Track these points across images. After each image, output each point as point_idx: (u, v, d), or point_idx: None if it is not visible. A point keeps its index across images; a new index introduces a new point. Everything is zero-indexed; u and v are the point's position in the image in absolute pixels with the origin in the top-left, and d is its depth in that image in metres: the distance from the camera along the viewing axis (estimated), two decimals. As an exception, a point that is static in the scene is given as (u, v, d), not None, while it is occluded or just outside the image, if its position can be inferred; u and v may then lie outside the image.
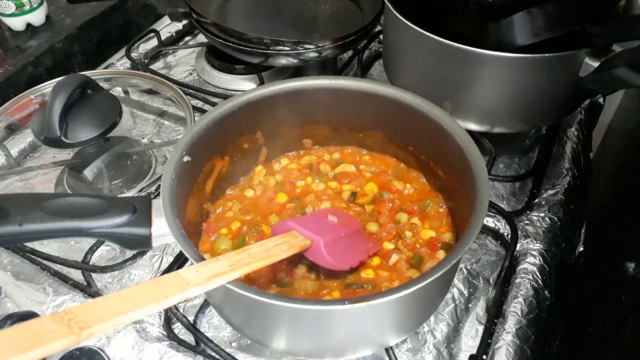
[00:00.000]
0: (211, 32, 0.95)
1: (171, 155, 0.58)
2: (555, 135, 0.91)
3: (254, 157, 0.72)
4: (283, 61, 0.93)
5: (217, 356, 0.63)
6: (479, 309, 0.68)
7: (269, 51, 0.91)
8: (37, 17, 1.13)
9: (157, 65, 1.10)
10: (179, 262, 0.72)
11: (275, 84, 0.67)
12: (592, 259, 0.85)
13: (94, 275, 0.71)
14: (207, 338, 0.64)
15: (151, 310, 0.40)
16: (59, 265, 0.72)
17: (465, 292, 0.70)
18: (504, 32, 0.73)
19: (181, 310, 0.67)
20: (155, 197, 0.56)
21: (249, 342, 0.65)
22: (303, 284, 0.58)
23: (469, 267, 0.73)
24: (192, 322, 0.66)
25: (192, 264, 0.48)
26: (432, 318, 0.66)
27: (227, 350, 0.63)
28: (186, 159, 0.59)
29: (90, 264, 0.72)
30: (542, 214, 0.78)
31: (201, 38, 1.16)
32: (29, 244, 0.74)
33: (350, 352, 0.57)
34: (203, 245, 0.63)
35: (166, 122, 0.97)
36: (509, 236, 0.74)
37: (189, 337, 0.65)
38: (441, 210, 0.67)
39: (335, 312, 0.48)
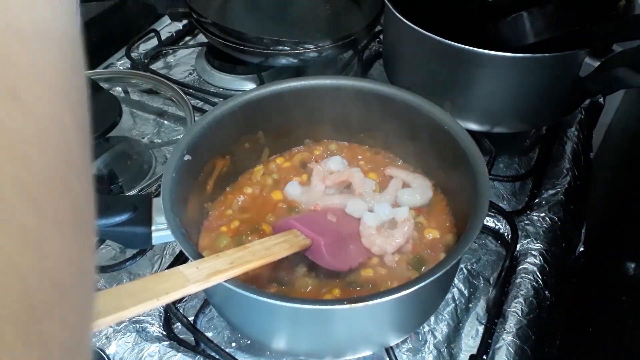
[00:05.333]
0: (211, 32, 0.95)
1: (172, 154, 0.58)
2: (556, 135, 0.91)
3: (255, 156, 0.72)
4: (283, 61, 0.94)
5: (217, 356, 0.63)
6: (479, 309, 0.68)
7: (269, 51, 0.91)
8: (37, 17, 1.13)
9: (157, 65, 1.10)
10: (179, 261, 0.72)
11: (275, 84, 0.67)
12: (592, 259, 0.85)
13: (93, 275, 0.71)
14: (207, 338, 0.64)
15: (151, 305, 0.40)
16: (58, 265, 0.72)
17: (466, 292, 0.70)
18: (504, 32, 0.73)
19: (181, 310, 0.67)
20: (155, 196, 0.56)
21: (249, 342, 0.65)
22: (303, 282, 0.58)
23: (469, 267, 0.72)
24: (192, 322, 0.66)
25: (192, 263, 0.48)
26: (432, 318, 0.66)
27: (227, 350, 0.63)
28: (187, 157, 0.59)
29: (90, 263, 0.71)
30: (543, 214, 0.78)
31: (201, 38, 1.16)
32: (28, 244, 0.74)
33: (350, 352, 0.57)
34: (203, 244, 0.63)
35: (166, 122, 0.97)
36: (509, 236, 0.74)
37: (189, 337, 0.65)
38: (444, 210, 0.67)
39: (334, 312, 0.48)
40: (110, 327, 0.64)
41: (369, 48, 1.11)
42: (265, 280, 0.58)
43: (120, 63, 1.09)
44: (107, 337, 0.64)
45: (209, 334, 0.65)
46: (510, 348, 0.63)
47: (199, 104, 0.98)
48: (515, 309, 0.66)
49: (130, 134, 0.93)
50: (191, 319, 0.66)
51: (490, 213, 0.77)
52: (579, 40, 0.70)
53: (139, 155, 0.86)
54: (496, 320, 0.66)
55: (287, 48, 0.91)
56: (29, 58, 0.18)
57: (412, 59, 0.82)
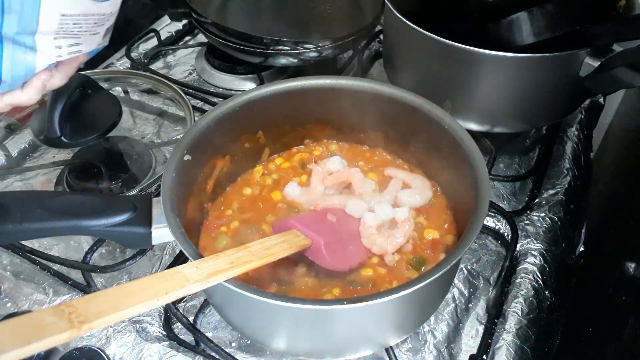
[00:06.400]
0: (211, 31, 0.95)
1: (172, 154, 0.58)
2: (556, 135, 0.91)
3: (255, 156, 0.72)
4: (283, 61, 0.93)
5: (217, 356, 0.63)
6: (479, 309, 0.68)
7: (269, 51, 0.91)
8: (37, 17, 1.13)
9: (157, 65, 1.10)
10: (179, 261, 0.72)
11: (275, 84, 0.67)
12: (592, 259, 0.85)
13: (93, 275, 0.71)
14: (207, 338, 0.64)
15: (151, 305, 0.40)
16: (58, 265, 0.72)
17: (466, 292, 0.70)
18: (504, 32, 0.73)
19: (181, 310, 0.67)
20: (155, 196, 0.56)
21: (249, 342, 0.65)
22: (303, 282, 0.58)
23: (469, 267, 0.72)
24: (192, 322, 0.66)
25: (192, 263, 0.48)
26: (432, 318, 0.66)
27: (227, 350, 0.63)
28: (187, 157, 0.59)
29: (90, 264, 0.71)
30: (543, 214, 0.78)
31: (201, 38, 1.16)
32: (28, 244, 0.74)
33: (350, 351, 0.57)
34: (203, 244, 0.63)
35: (166, 122, 0.97)
36: (509, 236, 0.74)
37: (189, 337, 0.65)
38: (444, 210, 0.66)
39: (334, 312, 0.48)
40: (110, 327, 0.64)
41: (369, 48, 1.11)
42: (265, 280, 0.58)
43: (120, 63, 1.09)
44: (107, 337, 0.64)
45: (209, 334, 0.65)
46: (510, 348, 0.63)
47: (199, 104, 0.98)
48: (515, 309, 0.66)
49: (130, 133, 0.93)
50: (191, 319, 0.66)
51: (490, 213, 0.77)
52: (579, 40, 0.70)
53: (139, 155, 0.86)
54: (496, 320, 0.66)
55: (287, 48, 0.91)
56: None
57: (412, 59, 0.82)
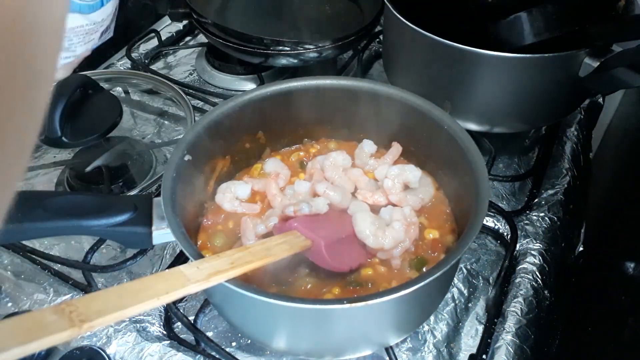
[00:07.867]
0: (211, 32, 0.95)
1: (172, 154, 0.58)
2: (555, 135, 0.92)
3: (256, 156, 0.72)
4: (283, 61, 0.94)
5: (218, 356, 0.63)
6: (479, 308, 0.68)
7: (269, 51, 0.91)
8: (37, 18, 1.13)
9: (157, 66, 1.11)
10: (179, 261, 0.72)
11: (275, 84, 0.68)
12: (592, 259, 0.85)
13: (94, 274, 0.71)
14: (207, 338, 0.64)
15: (151, 305, 0.40)
16: (59, 265, 0.72)
17: (465, 291, 0.70)
18: (504, 32, 0.73)
19: (181, 310, 0.67)
20: (156, 196, 0.56)
21: (249, 342, 0.65)
22: (303, 282, 0.58)
23: (468, 267, 0.73)
24: (192, 321, 0.66)
25: (192, 262, 0.48)
26: (432, 317, 0.66)
27: (227, 349, 0.63)
28: (187, 157, 0.59)
29: (90, 263, 0.72)
30: (542, 214, 0.78)
31: (201, 38, 1.16)
32: (29, 244, 0.74)
33: (350, 351, 0.57)
34: (201, 243, 0.63)
35: (166, 122, 0.97)
36: (509, 236, 0.74)
37: (189, 337, 0.65)
38: (444, 210, 0.67)
39: (334, 312, 0.48)
40: (111, 326, 0.65)
41: (369, 48, 1.11)
42: (266, 281, 0.58)
43: (120, 63, 1.09)
44: (108, 337, 0.64)
45: (209, 334, 0.65)
46: (509, 347, 0.63)
47: (199, 104, 0.98)
48: (515, 309, 0.66)
49: (130, 134, 0.93)
50: (191, 318, 0.66)
51: (489, 213, 0.77)
52: (579, 40, 0.70)
53: (140, 156, 0.86)
54: (496, 320, 0.66)
55: (287, 48, 0.91)
56: None
57: (412, 59, 0.82)
